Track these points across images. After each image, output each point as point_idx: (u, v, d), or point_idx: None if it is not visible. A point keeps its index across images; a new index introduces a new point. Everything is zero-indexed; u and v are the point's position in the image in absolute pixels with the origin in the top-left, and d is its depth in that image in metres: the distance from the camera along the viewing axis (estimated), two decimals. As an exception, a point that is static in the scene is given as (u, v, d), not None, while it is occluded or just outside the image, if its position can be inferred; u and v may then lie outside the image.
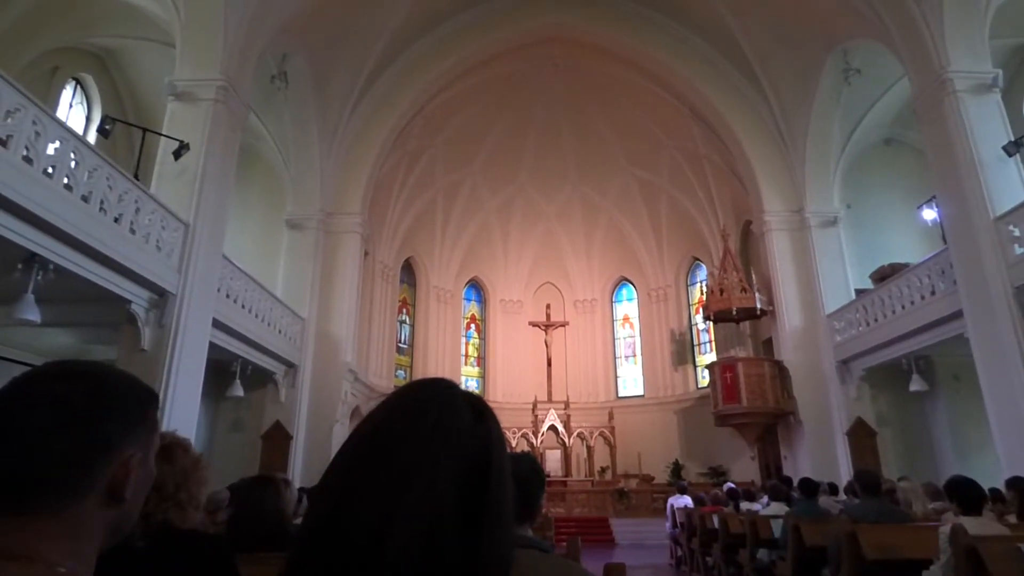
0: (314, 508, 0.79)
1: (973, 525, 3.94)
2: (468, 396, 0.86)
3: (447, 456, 0.77)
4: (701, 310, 18.94)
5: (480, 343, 23.40)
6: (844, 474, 12.32)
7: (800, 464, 14.56)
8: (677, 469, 19.16)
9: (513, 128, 20.20)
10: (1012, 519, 5.57)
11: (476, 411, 0.84)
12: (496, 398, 21.44)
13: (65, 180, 7.06)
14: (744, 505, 9.72)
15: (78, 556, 0.79)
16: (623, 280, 23.62)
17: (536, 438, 20.01)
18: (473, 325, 23.49)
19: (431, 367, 20.96)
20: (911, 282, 11.75)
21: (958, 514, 4.23)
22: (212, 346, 10.07)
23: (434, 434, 0.78)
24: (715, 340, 20.35)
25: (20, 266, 6.81)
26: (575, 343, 22.94)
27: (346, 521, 0.73)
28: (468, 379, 22.54)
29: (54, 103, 12.38)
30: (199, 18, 10.34)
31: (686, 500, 11.72)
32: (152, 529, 1.75)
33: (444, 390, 0.85)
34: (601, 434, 20.62)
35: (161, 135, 10.02)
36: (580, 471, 20.14)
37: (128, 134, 12.58)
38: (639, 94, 18.54)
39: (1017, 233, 9.18)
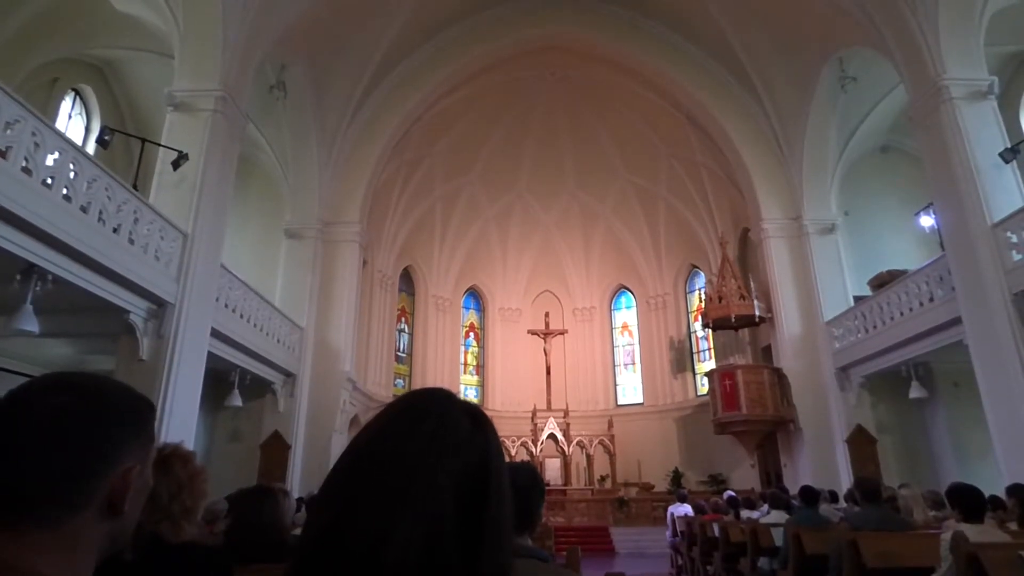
0: (313, 518, 0.78)
1: (974, 532, 3.93)
2: (466, 405, 0.86)
3: (446, 465, 0.77)
4: (700, 318, 18.94)
5: (479, 351, 23.38)
6: (844, 481, 12.28)
7: (800, 472, 14.52)
8: (677, 477, 19.11)
9: (511, 136, 20.26)
10: (1013, 526, 5.56)
11: (474, 420, 0.84)
12: (495, 407, 21.40)
13: (64, 191, 7.06)
14: (744, 513, 9.69)
15: (75, 569, 0.79)
16: (622, 288, 23.63)
17: (535, 447, 19.98)
18: (472, 333, 23.47)
19: (430, 376, 20.94)
20: (909, 289, 11.76)
21: (959, 521, 4.21)
22: (210, 356, 10.05)
23: (432, 443, 0.78)
24: (714, 348, 20.34)
25: (19, 277, 6.81)
26: (574, 351, 22.92)
27: (346, 530, 0.73)
28: (467, 388, 22.50)
29: (53, 114, 12.41)
30: (198, 29, 10.37)
31: (686, 508, 11.68)
32: (141, 541, 1.73)
33: (442, 399, 0.85)
34: (600, 442, 20.58)
35: (160, 145, 10.04)
36: (580, 480, 20.09)
37: (127, 145, 12.60)
38: (637, 102, 18.62)
39: (1015, 239, 9.21)
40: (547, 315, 22.82)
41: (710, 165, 18.41)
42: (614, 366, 23.21)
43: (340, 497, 0.77)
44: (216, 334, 10.37)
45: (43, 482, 0.77)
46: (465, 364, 22.95)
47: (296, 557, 0.76)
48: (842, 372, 13.91)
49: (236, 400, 12.24)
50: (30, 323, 7.03)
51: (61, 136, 7.28)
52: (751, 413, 15.77)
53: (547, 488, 16.50)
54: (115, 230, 7.92)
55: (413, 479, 0.75)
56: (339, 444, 13.84)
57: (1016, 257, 9.17)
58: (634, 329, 23.23)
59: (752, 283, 16.73)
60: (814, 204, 15.26)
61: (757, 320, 16.65)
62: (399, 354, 20.91)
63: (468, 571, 0.74)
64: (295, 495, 9.77)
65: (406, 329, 21.56)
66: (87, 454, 0.80)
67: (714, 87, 16.22)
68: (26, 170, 6.49)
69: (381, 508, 0.73)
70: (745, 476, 17.41)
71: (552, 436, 20.27)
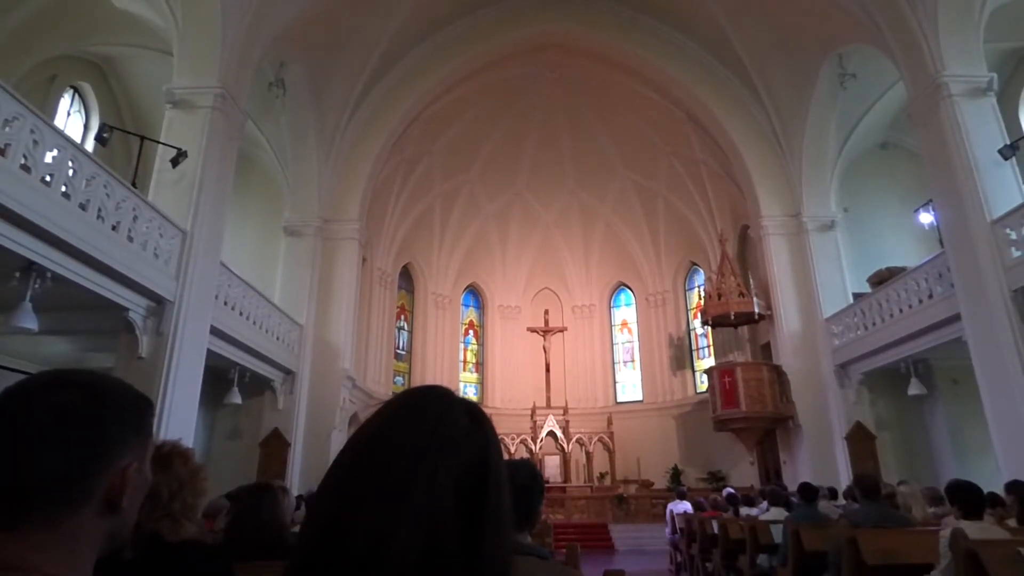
0: (313, 515, 0.78)
1: (974, 529, 3.93)
2: (464, 402, 0.86)
3: (445, 463, 0.77)
4: (699, 315, 18.94)
5: (479, 349, 23.38)
6: (843, 478, 12.30)
7: (799, 469, 14.53)
8: (676, 474, 19.13)
9: (511, 134, 20.24)
10: (1012, 523, 5.56)
11: (472, 417, 0.84)
12: (495, 404, 21.41)
13: (63, 188, 7.05)
14: (744, 510, 9.70)
15: (75, 566, 0.79)
16: (621, 285, 23.63)
17: (535, 444, 19.99)
18: (471, 331, 23.48)
19: (429, 373, 20.95)
20: (909, 286, 11.76)
21: (958, 518, 4.22)
22: (210, 353, 10.05)
23: (432, 441, 0.78)
24: (713, 345, 20.35)
25: (18, 274, 6.80)
26: (573, 349, 22.93)
27: (346, 528, 0.73)
28: (467, 385, 22.51)
29: (52, 111, 12.38)
30: (196, 26, 10.36)
31: (685, 506, 11.69)
32: (141, 540, 1.72)
33: (440, 396, 0.85)
34: (600, 440, 20.60)
35: (159, 143, 10.03)
36: (579, 477, 20.10)
37: (126, 142, 12.58)
38: (636, 100, 18.60)
39: (1014, 236, 9.21)
40: (547, 312, 22.84)
41: (709, 162, 18.40)
42: (613, 363, 23.22)
43: (340, 494, 0.77)
44: (215, 331, 10.36)
45: (43, 481, 0.77)
46: (465, 361, 22.96)
47: (296, 554, 0.76)
48: (841, 369, 13.92)
49: (235, 397, 12.24)
50: (29, 320, 7.03)
51: (60, 133, 7.27)
52: (750, 410, 15.78)
53: (546, 485, 16.51)
54: (114, 227, 7.91)
55: (413, 477, 0.75)
56: (339, 442, 13.83)
57: (1015, 254, 9.17)
58: (633, 326, 23.23)
59: (751, 280, 16.73)
60: (813, 201, 15.26)
61: (756, 317, 16.66)
62: (399, 351, 20.91)
63: (468, 568, 0.74)
64: (295, 492, 9.76)
65: (405, 326, 21.56)
66: (86, 452, 0.80)
67: (713, 84, 16.21)
68: (25, 167, 6.48)
69: (381, 506, 0.73)
70: (744, 473, 17.44)
71: (551, 433, 20.28)
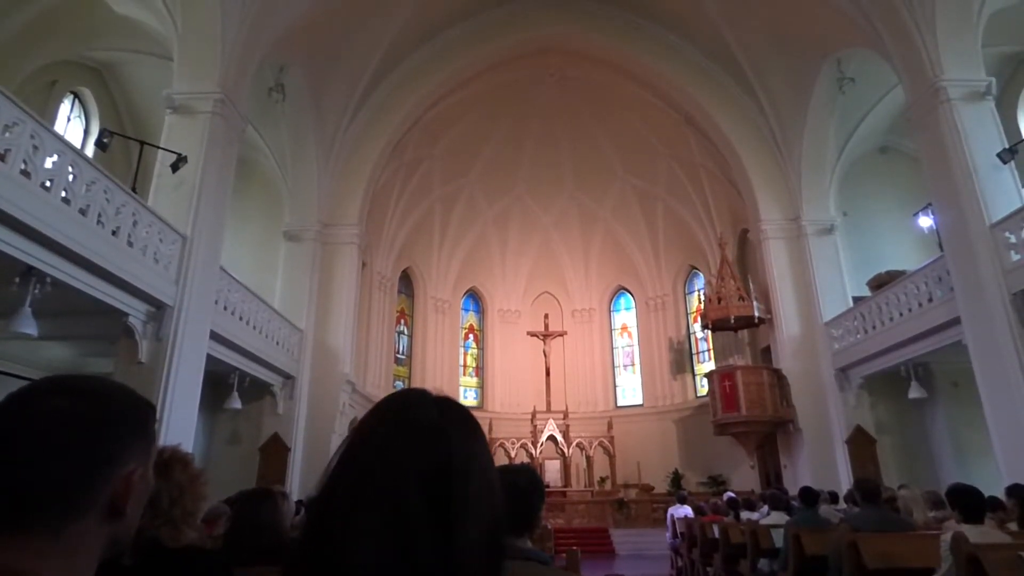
0: (304, 520, 0.82)
1: (975, 533, 3.93)
2: (436, 398, 0.87)
3: (409, 458, 0.78)
4: (699, 319, 18.95)
5: (478, 353, 23.37)
6: (844, 482, 12.28)
7: (800, 473, 14.52)
8: (677, 478, 19.10)
9: (510, 138, 20.28)
10: (1013, 527, 5.56)
11: (442, 415, 0.84)
12: (495, 408, 21.40)
13: (63, 193, 7.06)
14: (744, 514, 9.68)
15: (75, 572, 0.79)
16: (621, 289, 23.63)
17: (535, 448, 19.97)
18: (471, 335, 23.47)
19: (429, 377, 20.93)
20: (908, 289, 11.77)
21: (959, 522, 4.22)
22: (209, 358, 10.04)
23: (395, 439, 0.80)
24: (713, 349, 20.35)
25: (17, 279, 6.80)
26: (573, 353, 22.92)
27: (326, 533, 0.75)
28: (466, 390, 22.50)
29: (52, 117, 12.39)
30: (196, 31, 10.38)
31: (686, 510, 11.66)
32: (141, 546, 1.72)
33: (411, 395, 0.87)
34: (600, 444, 20.58)
35: (159, 148, 10.04)
36: (579, 481, 20.08)
37: (126, 147, 12.58)
38: (635, 104, 18.64)
39: (1013, 240, 9.22)
40: (546, 316, 22.81)
41: (709, 166, 18.43)
42: (613, 367, 23.21)
43: (323, 501, 0.79)
44: (215, 336, 10.36)
45: (47, 487, 0.77)
46: (464, 366, 22.94)
47: (290, 557, 0.79)
48: (841, 373, 13.91)
49: (235, 402, 12.23)
50: (29, 326, 7.03)
51: (60, 139, 7.27)
52: (750, 414, 15.76)
53: (547, 490, 16.50)
54: (114, 233, 7.91)
55: (379, 474, 0.77)
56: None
57: (1015, 257, 9.18)
58: (633, 330, 23.23)
59: (751, 284, 16.73)
60: (813, 205, 15.28)
61: (756, 321, 16.65)
62: (398, 356, 20.90)
63: (444, 562, 0.74)
64: (295, 498, 9.75)
65: (405, 331, 21.55)
66: (91, 458, 0.80)
67: (712, 88, 16.24)
68: (25, 173, 6.49)
69: (354, 504, 0.75)
70: (745, 477, 17.41)
71: (552, 438, 20.25)
